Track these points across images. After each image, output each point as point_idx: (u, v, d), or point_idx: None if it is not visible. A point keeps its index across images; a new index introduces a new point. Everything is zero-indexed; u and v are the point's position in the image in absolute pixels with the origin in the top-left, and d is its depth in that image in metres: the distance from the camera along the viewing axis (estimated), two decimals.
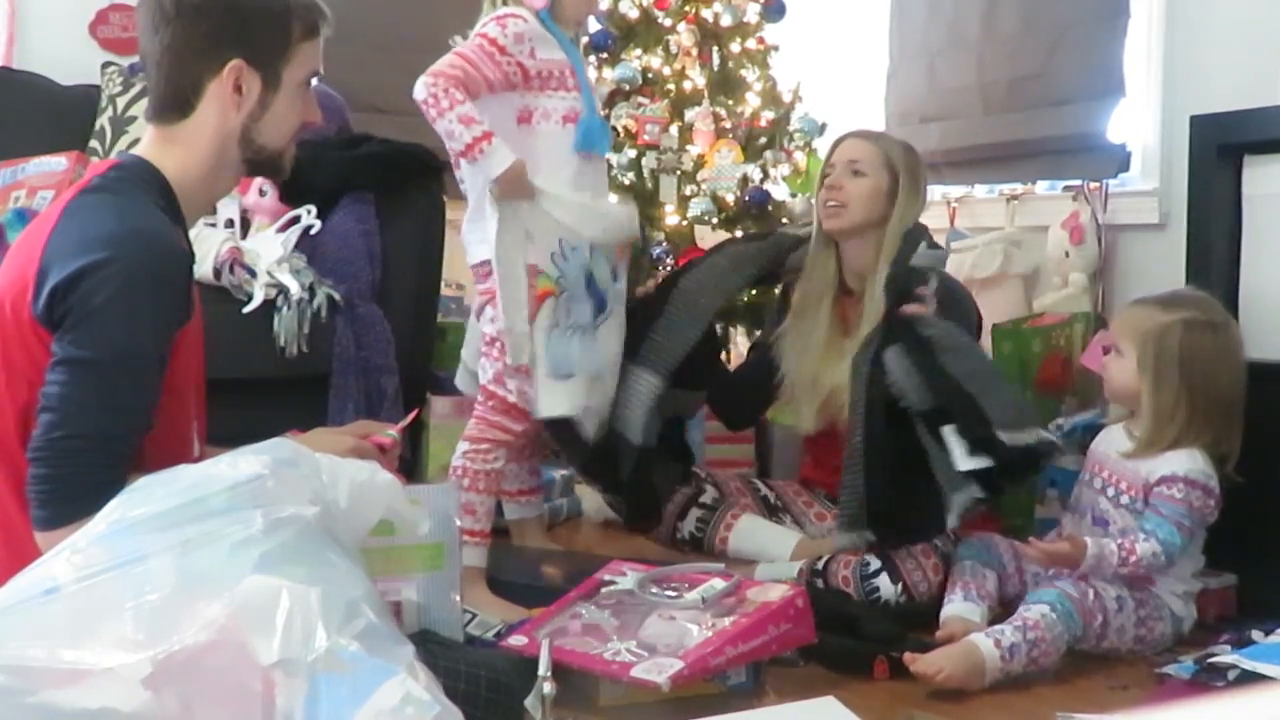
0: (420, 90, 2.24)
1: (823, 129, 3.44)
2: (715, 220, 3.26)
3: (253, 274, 2.71)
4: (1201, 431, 2.13)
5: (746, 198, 3.27)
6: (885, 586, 2.27)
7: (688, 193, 3.27)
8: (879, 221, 2.50)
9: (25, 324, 1.54)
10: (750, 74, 3.43)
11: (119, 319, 1.51)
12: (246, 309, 2.66)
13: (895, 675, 1.97)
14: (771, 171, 3.36)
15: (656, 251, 3.20)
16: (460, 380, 2.60)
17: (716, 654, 1.75)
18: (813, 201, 2.85)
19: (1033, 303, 3.38)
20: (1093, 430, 2.36)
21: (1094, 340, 2.75)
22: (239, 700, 1.22)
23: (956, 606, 2.15)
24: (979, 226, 3.61)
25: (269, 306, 2.68)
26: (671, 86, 3.34)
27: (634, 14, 3.38)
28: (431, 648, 1.55)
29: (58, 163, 3.00)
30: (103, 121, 3.17)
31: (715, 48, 3.42)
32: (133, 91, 3.19)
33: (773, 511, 2.63)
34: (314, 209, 2.83)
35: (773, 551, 2.48)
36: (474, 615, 2.13)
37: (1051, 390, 2.89)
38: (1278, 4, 2.78)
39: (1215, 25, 2.94)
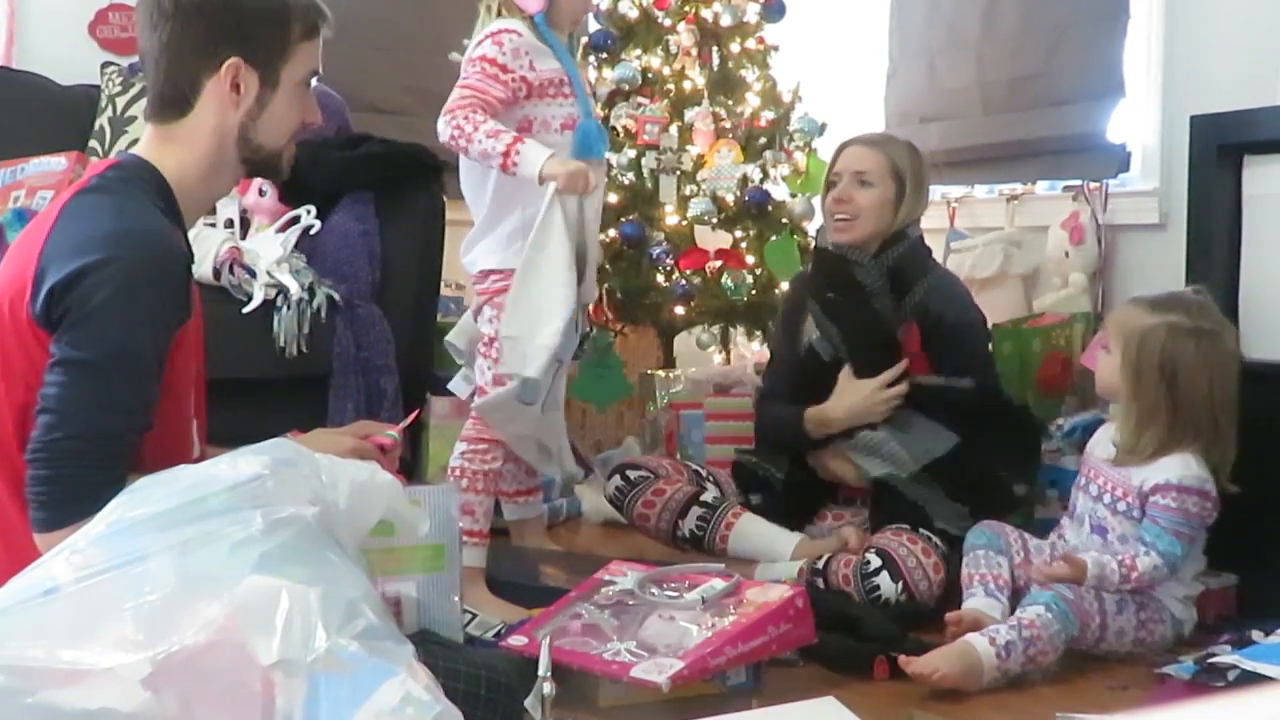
0: (443, 130, 2.26)
1: (823, 129, 3.44)
2: (715, 220, 3.26)
3: (252, 274, 2.71)
4: (1185, 437, 2.12)
5: (746, 198, 3.27)
6: (886, 585, 2.27)
7: (687, 193, 3.28)
8: (888, 228, 2.52)
9: (23, 325, 1.53)
10: (750, 74, 3.43)
11: (117, 319, 1.50)
12: (246, 309, 2.66)
13: (895, 675, 1.97)
14: (771, 171, 3.36)
15: (656, 252, 3.20)
16: (455, 385, 2.59)
17: (716, 654, 1.75)
18: (813, 202, 2.87)
19: (1033, 303, 3.38)
20: (1092, 430, 2.37)
21: (1094, 340, 2.75)
22: (239, 700, 1.22)
23: (978, 601, 2.14)
24: (979, 226, 3.61)
25: (269, 307, 2.68)
26: (671, 86, 3.34)
27: (634, 14, 3.38)
28: (431, 648, 1.54)
29: (57, 163, 3.00)
30: (102, 121, 3.17)
31: (715, 48, 3.43)
32: (132, 91, 3.19)
33: None
34: (314, 209, 2.83)
35: (773, 551, 2.48)
36: (474, 615, 2.14)
37: (1051, 390, 2.89)
38: (1278, 4, 2.78)
39: (1215, 25, 2.94)
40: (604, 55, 3.39)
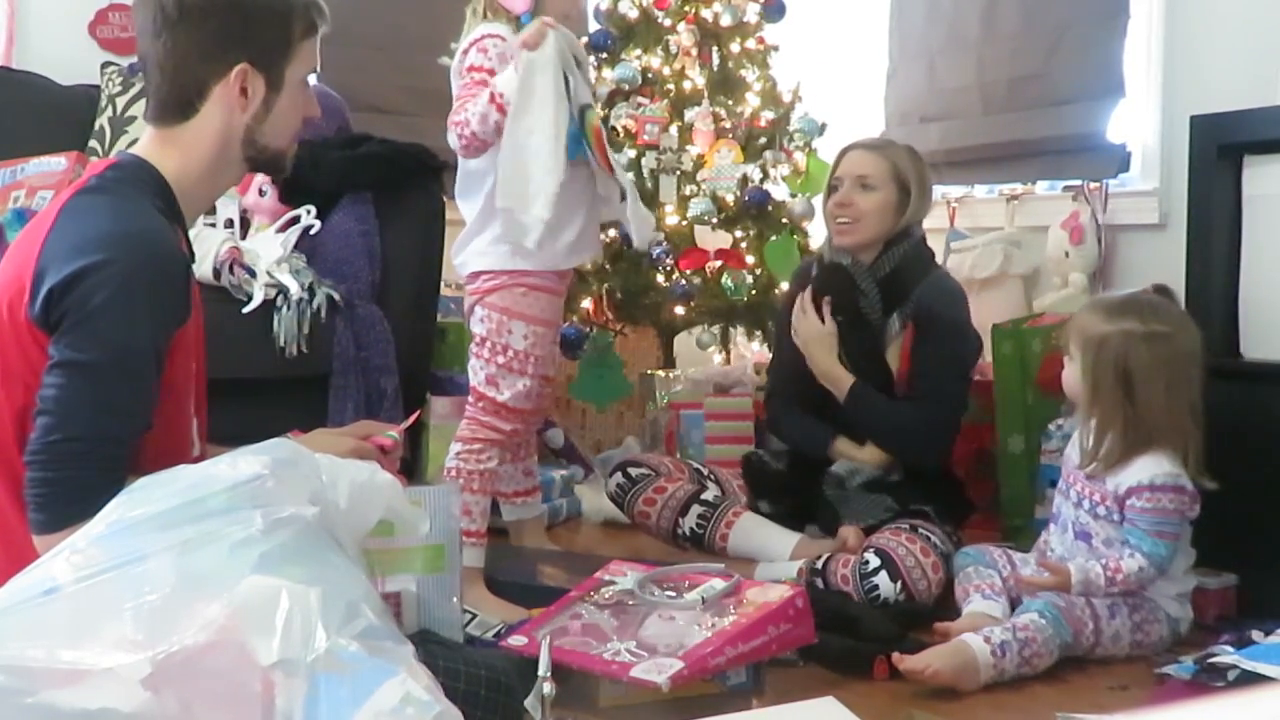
0: (453, 141, 2.29)
1: (822, 129, 3.44)
2: (715, 220, 3.26)
3: (252, 274, 2.71)
4: (1149, 441, 2.12)
5: (746, 198, 3.27)
6: (885, 585, 2.27)
7: (687, 193, 3.28)
8: (890, 231, 2.52)
9: (21, 326, 1.53)
10: (750, 74, 3.43)
11: (116, 321, 1.50)
12: (246, 309, 2.66)
13: (895, 675, 1.97)
14: (771, 171, 3.36)
15: (656, 252, 3.20)
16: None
17: (716, 654, 1.75)
18: (813, 202, 2.87)
19: (1033, 303, 3.38)
20: None
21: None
22: (239, 700, 1.21)
23: (978, 604, 2.15)
24: (979, 226, 3.61)
25: (269, 307, 2.68)
26: (671, 86, 3.34)
27: (634, 14, 3.38)
28: (431, 648, 1.54)
29: (57, 163, 3.00)
30: (102, 121, 3.17)
31: (715, 48, 3.42)
32: (132, 91, 3.19)
33: None
34: (314, 209, 2.83)
35: (773, 551, 2.48)
36: (474, 615, 2.14)
37: (1051, 390, 2.88)
38: (1278, 4, 2.78)
39: (1215, 25, 2.94)
40: (604, 55, 3.39)
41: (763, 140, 3.39)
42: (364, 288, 2.87)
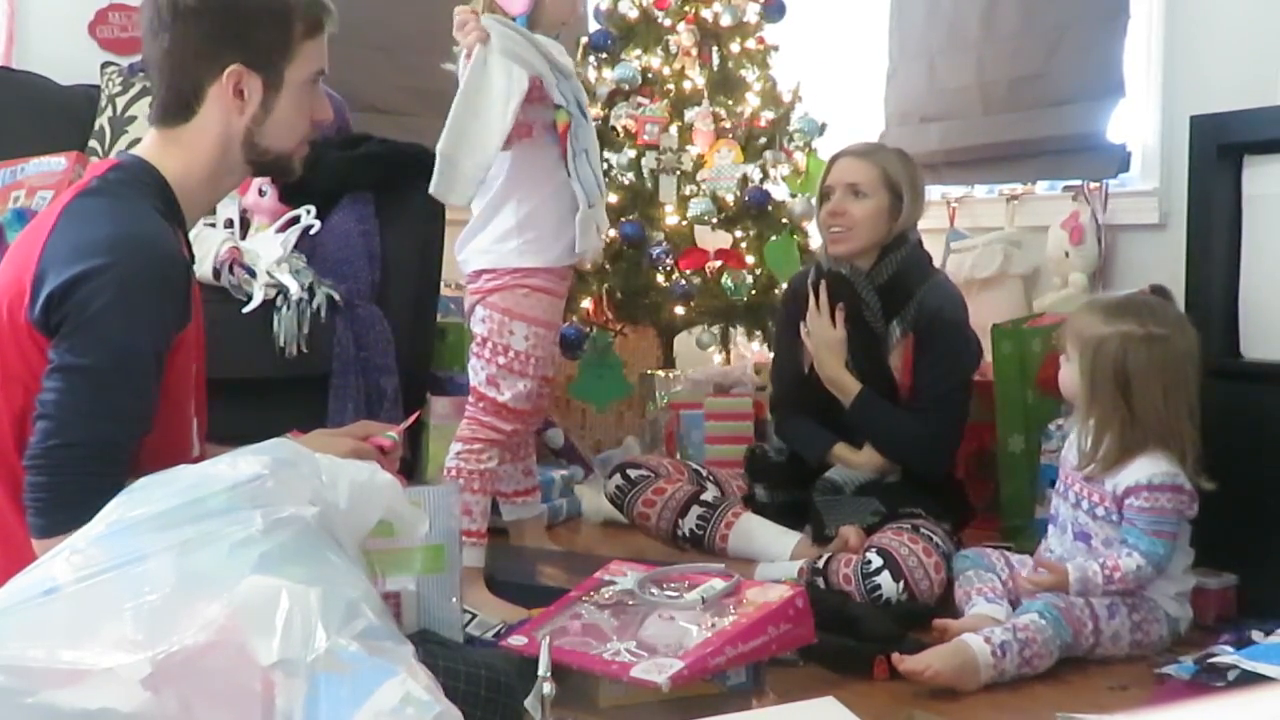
0: None
1: (822, 129, 3.44)
2: (715, 220, 3.26)
3: (252, 274, 2.71)
4: (1145, 443, 2.12)
5: (746, 198, 3.27)
6: (887, 584, 2.27)
7: (687, 193, 3.28)
8: (884, 238, 2.53)
9: (21, 329, 1.53)
10: (750, 74, 3.43)
11: (116, 325, 1.49)
12: (246, 309, 2.66)
13: (895, 675, 1.97)
14: (771, 171, 3.36)
15: (656, 252, 3.20)
16: None
17: (716, 654, 1.75)
18: (813, 202, 2.87)
19: (1033, 303, 3.38)
20: None
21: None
22: (238, 700, 1.21)
23: (981, 607, 2.15)
24: (979, 226, 3.61)
25: (269, 307, 2.68)
26: (671, 86, 3.34)
27: (634, 14, 3.38)
28: (431, 648, 1.54)
29: (57, 163, 3.00)
30: (102, 121, 3.17)
31: (715, 48, 3.43)
32: (132, 91, 3.19)
33: None
34: (314, 209, 2.83)
35: (773, 551, 2.48)
36: (474, 615, 2.14)
37: (1052, 390, 2.88)
38: (1278, 4, 2.78)
39: (1215, 25, 2.94)
40: (604, 55, 3.39)
41: (763, 140, 3.39)
42: (364, 288, 2.87)
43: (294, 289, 2.69)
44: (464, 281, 2.47)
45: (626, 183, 3.29)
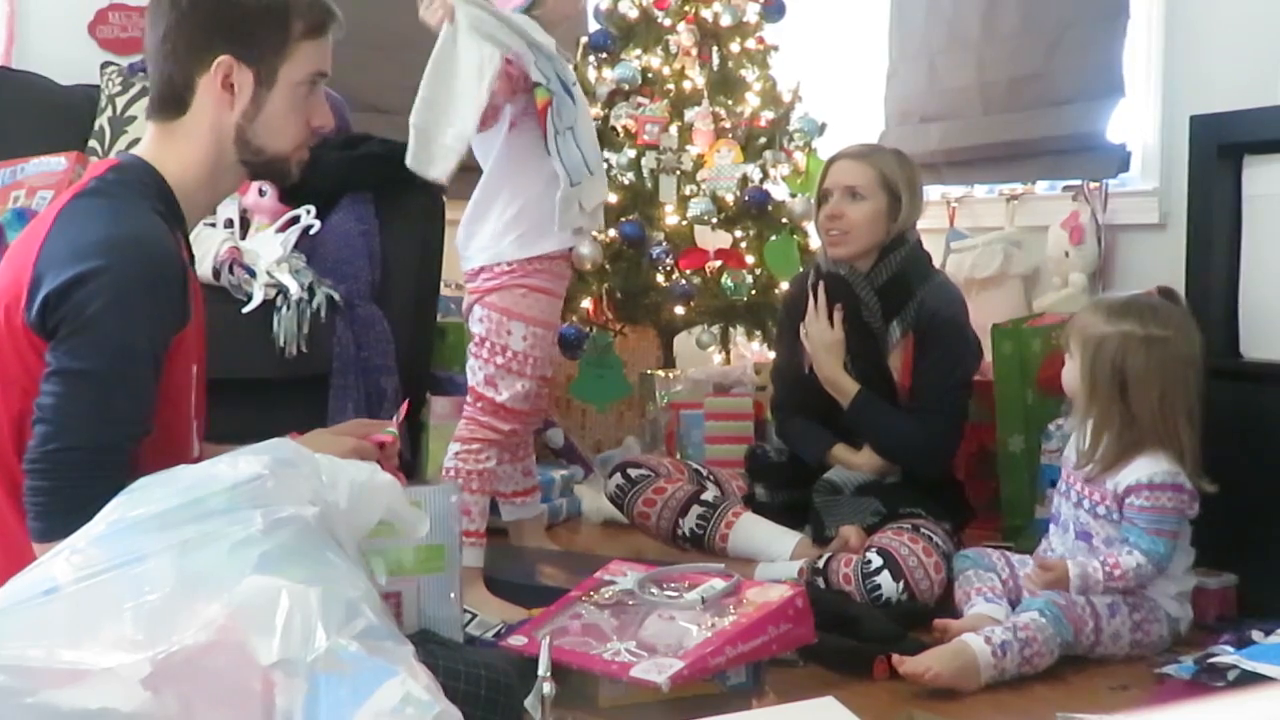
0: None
1: (823, 129, 3.44)
2: (715, 220, 3.25)
3: (252, 274, 2.71)
4: (1143, 443, 2.12)
5: (746, 198, 3.27)
6: (887, 584, 2.27)
7: (687, 193, 3.27)
8: (883, 239, 2.52)
9: (18, 332, 1.52)
10: (750, 74, 3.43)
11: (114, 328, 1.49)
12: (246, 309, 2.66)
13: (895, 675, 1.97)
14: (771, 171, 3.36)
15: (656, 252, 3.20)
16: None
17: (716, 654, 1.75)
18: (811, 201, 2.87)
19: (1033, 303, 3.38)
20: None
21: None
22: (238, 700, 1.21)
23: (981, 607, 2.16)
24: (979, 226, 3.61)
25: (268, 306, 2.68)
26: (671, 86, 3.34)
27: (634, 14, 3.38)
28: (432, 648, 1.54)
29: (57, 163, 3.00)
30: (102, 121, 3.17)
31: (715, 48, 3.42)
32: (132, 91, 3.19)
33: None
34: (314, 209, 2.83)
35: (773, 551, 2.48)
36: (474, 615, 2.13)
37: (1052, 390, 2.89)
38: (1278, 4, 2.78)
39: (1215, 25, 2.94)
40: (604, 55, 3.39)
41: (763, 140, 3.39)
42: (364, 288, 2.87)
43: (294, 289, 2.69)
44: (464, 280, 2.47)
45: (626, 183, 3.29)
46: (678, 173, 3.27)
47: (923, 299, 2.50)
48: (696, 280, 3.22)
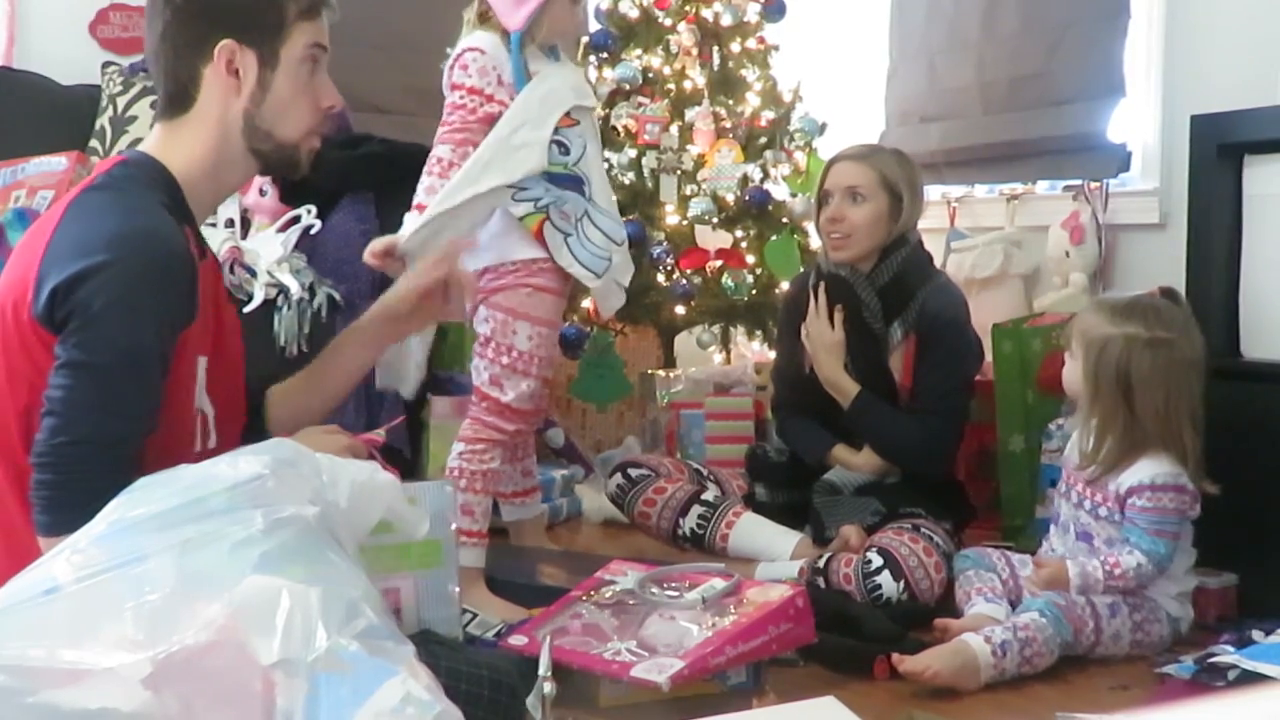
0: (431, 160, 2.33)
1: (823, 129, 3.44)
2: (715, 220, 3.26)
3: (253, 274, 2.71)
4: (1147, 444, 2.12)
5: (746, 197, 3.27)
6: (888, 584, 2.27)
7: (688, 192, 3.28)
8: (884, 240, 2.52)
9: (25, 325, 1.53)
10: (750, 74, 3.43)
11: (121, 322, 1.49)
12: (246, 309, 2.66)
13: (895, 675, 1.97)
14: (772, 171, 3.37)
15: (657, 251, 3.20)
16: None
17: (716, 654, 1.75)
18: (812, 202, 2.86)
19: (1033, 303, 3.38)
20: None
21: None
22: (239, 700, 1.22)
23: (981, 607, 2.15)
24: (979, 226, 3.61)
25: (269, 306, 2.68)
26: (671, 86, 3.34)
27: (634, 14, 3.38)
28: (435, 648, 1.55)
29: (58, 163, 3.00)
30: (103, 121, 3.18)
31: (715, 47, 3.43)
32: (133, 91, 3.19)
33: None
34: (314, 209, 2.83)
35: (773, 550, 2.48)
36: (474, 615, 2.13)
37: (1052, 390, 2.89)
38: (1278, 4, 2.78)
39: (1215, 25, 2.94)
40: (604, 55, 3.39)
41: (763, 140, 3.39)
42: (364, 288, 2.87)
43: (294, 289, 2.70)
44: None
45: (627, 182, 3.29)
46: (678, 172, 3.28)
47: (924, 300, 2.50)
48: (697, 280, 3.22)
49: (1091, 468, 2.16)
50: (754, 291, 3.26)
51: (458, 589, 1.78)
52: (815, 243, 3.22)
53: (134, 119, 3.15)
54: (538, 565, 2.58)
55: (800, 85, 3.46)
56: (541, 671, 1.44)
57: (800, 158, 3.41)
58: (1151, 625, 2.11)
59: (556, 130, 2.28)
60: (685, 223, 3.26)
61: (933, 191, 3.59)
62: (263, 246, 2.77)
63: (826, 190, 2.56)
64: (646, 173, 3.27)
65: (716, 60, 3.43)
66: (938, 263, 2.89)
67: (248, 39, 1.66)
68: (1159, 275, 2.78)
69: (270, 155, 1.72)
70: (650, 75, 3.34)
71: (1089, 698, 1.93)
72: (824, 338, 2.55)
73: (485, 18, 2.33)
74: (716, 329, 3.39)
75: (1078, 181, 3.27)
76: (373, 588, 1.35)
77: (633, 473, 2.66)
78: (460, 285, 2.00)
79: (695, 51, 3.38)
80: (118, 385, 1.50)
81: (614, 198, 2.46)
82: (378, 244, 2.21)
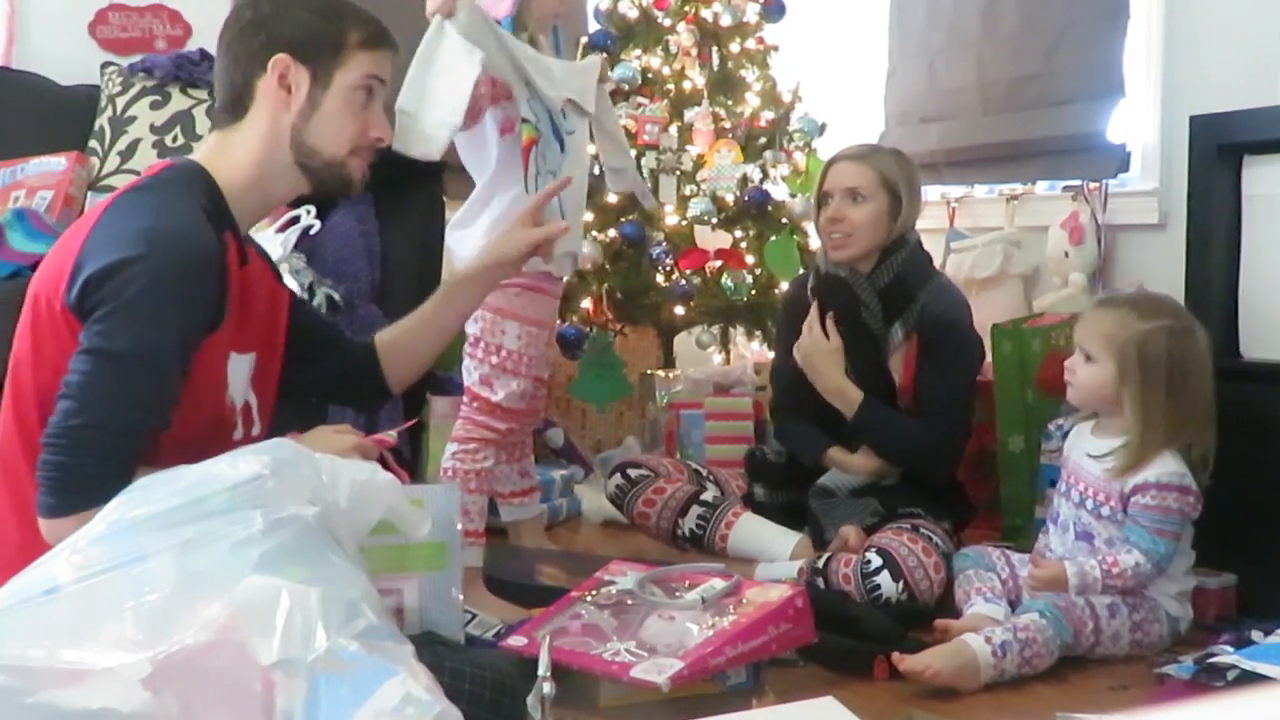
0: None
1: (822, 129, 3.44)
2: (715, 220, 3.26)
3: None
4: (1179, 436, 2.12)
5: (746, 198, 3.27)
6: (887, 584, 2.27)
7: (687, 193, 3.28)
8: (885, 240, 2.51)
9: (57, 315, 1.56)
10: (750, 74, 3.43)
11: (147, 316, 1.52)
12: None
13: (895, 675, 1.97)
14: (771, 171, 3.37)
15: (656, 252, 3.20)
16: None
17: (716, 654, 1.75)
18: (811, 201, 2.86)
19: (1033, 303, 3.38)
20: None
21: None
22: (239, 700, 1.22)
23: (980, 607, 2.15)
24: (979, 226, 3.61)
25: None
26: (671, 86, 3.34)
27: (634, 14, 3.38)
28: (437, 649, 1.55)
29: (57, 163, 3.00)
30: (102, 121, 3.17)
31: (715, 48, 3.43)
32: (132, 91, 3.19)
33: None
34: (314, 209, 2.83)
35: (773, 550, 2.48)
36: (474, 615, 2.14)
37: (1052, 390, 2.89)
38: (1278, 4, 2.78)
39: (1215, 25, 2.94)
40: (604, 55, 3.39)
41: (763, 140, 3.39)
42: (364, 288, 2.87)
43: (294, 289, 2.69)
44: None
45: None
46: (678, 173, 3.28)
47: (926, 302, 2.50)
48: (696, 280, 3.22)
49: (1125, 466, 2.13)
50: (753, 292, 3.26)
51: (460, 594, 1.78)
52: (815, 243, 3.22)
53: (133, 119, 3.15)
54: (537, 565, 2.58)
55: (800, 85, 3.46)
56: (541, 672, 1.44)
57: (800, 158, 3.41)
58: (1151, 625, 2.11)
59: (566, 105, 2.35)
60: (685, 223, 3.27)
61: (932, 191, 3.59)
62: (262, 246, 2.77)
63: (826, 191, 2.55)
64: (646, 173, 3.27)
65: (716, 60, 3.43)
66: (937, 263, 2.89)
67: (304, 56, 1.69)
68: (1159, 275, 2.78)
69: (319, 172, 1.74)
70: (650, 75, 3.34)
71: (1089, 698, 1.93)
72: (820, 345, 2.54)
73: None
74: (716, 329, 3.39)
75: (1077, 182, 3.26)
76: (373, 588, 1.36)
77: (632, 473, 2.66)
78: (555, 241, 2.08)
79: (695, 52, 3.38)
80: (135, 376, 1.52)
81: (582, 203, 2.51)
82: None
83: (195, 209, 1.61)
